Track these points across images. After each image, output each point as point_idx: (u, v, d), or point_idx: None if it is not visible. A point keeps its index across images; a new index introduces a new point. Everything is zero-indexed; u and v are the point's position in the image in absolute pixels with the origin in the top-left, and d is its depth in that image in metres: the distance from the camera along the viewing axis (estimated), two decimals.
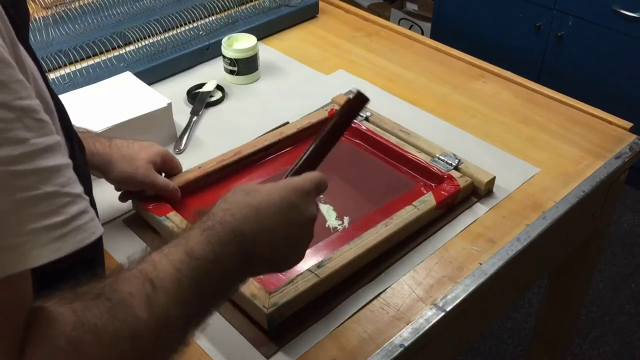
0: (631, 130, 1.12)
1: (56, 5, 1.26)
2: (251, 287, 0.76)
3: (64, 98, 0.68)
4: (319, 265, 0.80)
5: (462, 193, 0.95)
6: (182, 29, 1.30)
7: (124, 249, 0.89)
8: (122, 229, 0.92)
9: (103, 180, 0.88)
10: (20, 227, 0.41)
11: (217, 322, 0.79)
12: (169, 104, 1.06)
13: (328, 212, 0.93)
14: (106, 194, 0.91)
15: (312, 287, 0.78)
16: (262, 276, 0.77)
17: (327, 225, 0.91)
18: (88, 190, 0.66)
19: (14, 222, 0.41)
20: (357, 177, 1.00)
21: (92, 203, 0.68)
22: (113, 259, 0.88)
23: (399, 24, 1.95)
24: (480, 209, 0.95)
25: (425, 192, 0.94)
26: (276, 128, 1.09)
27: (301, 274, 0.79)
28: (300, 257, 0.63)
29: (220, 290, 0.56)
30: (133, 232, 0.92)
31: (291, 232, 0.60)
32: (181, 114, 1.14)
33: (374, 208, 0.92)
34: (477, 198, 0.97)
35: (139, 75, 1.14)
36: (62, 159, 0.45)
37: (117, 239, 0.91)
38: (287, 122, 1.11)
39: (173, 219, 0.87)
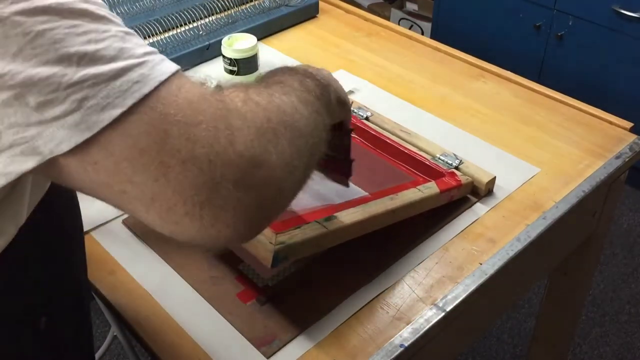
0: (631, 130, 1.12)
1: None
2: None
3: None
4: (327, 219, 0.78)
5: (464, 189, 0.94)
6: (182, 29, 1.30)
7: (124, 249, 0.89)
8: (122, 229, 0.92)
9: None
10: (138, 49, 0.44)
11: (217, 322, 0.79)
12: None
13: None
14: None
15: (319, 237, 0.76)
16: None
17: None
18: (74, 196, 0.66)
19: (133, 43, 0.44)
20: (357, 172, 1.00)
21: (77, 207, 0.68)
22: (113, 259, 0.88)
23: (399, 24, 1.95)
24: (480, 209, 0.95)
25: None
26: None
27: (308, 223, 0.76)
28: None
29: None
30: (133, 232, 0.92)
31: None
32: None
33: (376, 191, 0.91)
34: (477, 198, 0.97)
35: None
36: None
37: (117, 239, 0.91)
38: None
39: None
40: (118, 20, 0.45)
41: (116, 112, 0.41)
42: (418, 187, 0.89)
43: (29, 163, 0.42)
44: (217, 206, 0.44)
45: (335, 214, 0.79)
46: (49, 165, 0.43)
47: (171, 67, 0.45)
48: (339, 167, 0.83)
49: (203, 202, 0.43)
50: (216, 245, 0.54)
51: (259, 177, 0.46)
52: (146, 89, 0.42)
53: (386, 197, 0.85)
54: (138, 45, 0.44)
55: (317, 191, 0.88)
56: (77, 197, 0.67)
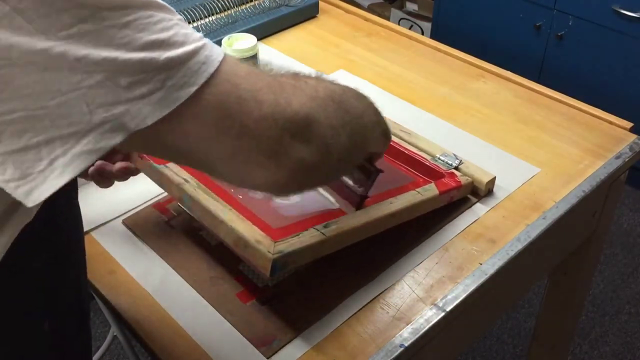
0: (631, 130, 1.12)
1: None
2: (255, 234, 0.74)
3: None
4: (325, 225, 0.78)
5: (464, 190, 0.94)
6: None
7: (124, 249, 0.89)
8: (122, 229, 0.92)
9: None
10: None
11: (217, 322, 0.79)
12: None
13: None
14: (106, 194, 0.91)
15: (317, 244, 0.75)
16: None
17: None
18: (74, 193, 0.67)
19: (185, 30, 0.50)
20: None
21: (77, 207, 0.69)
22: (113, 259, 0.88)
23: (399, 24, 1.95)
24: (480, 209, 0.95)
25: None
26: None
27: (307, 230, 0.76)
28: None
29: None
30: (133, 232, 0.92)
31: None
32: None
33: (375, 193, 0.91)
34: (477, 198, 0.97)
35: None
36: None
37: (117, 239, 0.91)
38: None
39: (172, 168, 0.84)
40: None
41: (192, 89, 0.48)
42: (417, 189, 0.89)
43: (117, 138, 0.46)
44: (281, 155, 0.52)
45: (334, 220, 0.79)
46: (133, 138, 0.47)
47: (220, 48, 0.52)
48: (351, 198, 0.83)
49: (271, 152, 0.52)
50: (277, 193, 0.63)
51: (311, 132, 0.54)
52: (211, 69, 0.49)
53: (385, 201, 0.85)
54: (193, 31, 0.51)
55: (315, 196, 0.88)
56: (77, 197, 0.68)
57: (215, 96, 0.49)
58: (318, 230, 0.76)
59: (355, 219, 0.81)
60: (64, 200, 0.64)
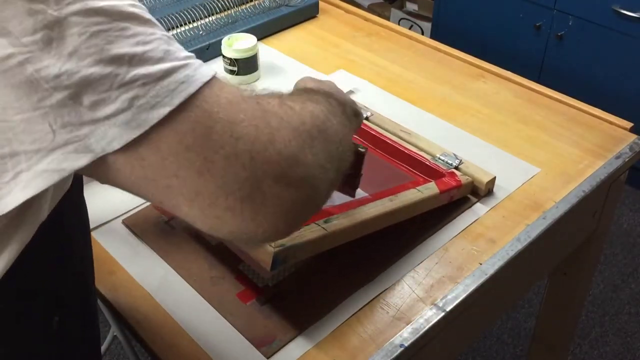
0: (631, 130, 1.12)
1: None
2: None
3: None
4: (326, 221, 0.78)
5: (464, 190, 0.95)
6: (182, 29, 1.30)
7: (124, 249, 0.89)
8: (122, 229, 0.92)
9: None
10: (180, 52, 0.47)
11: (217, 322, 0.79)
12: None
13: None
14: (106, 194, 0.91)
15: (318, 239, 0.76)
16: None
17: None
18: (79, 192, 0.67)
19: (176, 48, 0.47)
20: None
21: (84, 206, 0.69)
22: (113, 259, 0.88)
23: (399, 24, 1.95)
24: (480, 209, 0.95)
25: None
26: None
27: (308, 225, 0.77)
28: None
29: None
30: (133, 232, 0.92)
31: None
32: None
33: (376, 192, 0.91)
34: (477, 198, 0.97)
35: None
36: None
37: (117, 239, 0.91)
38: None
39: None
40: (160, 26, 0.48)
41: (165, 110, 0.44)
42: (418, 187, 0.89)
43: (82, 160, 0.44)
44: (258, 201, 0.46)
45: (335, 216, 0.79)
46: (98, 163, 0.44)
47: (210, 70, 0.48)
48: (347, 180, 0.82)
49: (244, 197, 0.46)
50: (254, 241, 0.58)
51: (297, 174, 0.48)
52: (192, 89, 0.45)
53: (385, 199, 0.85)
54: (180, 50, 0.47)
55: None
56: (83, 196, 0.68)
57: (186, 122, 0.44)
58: (319, 225, 0.76)
59: (356, 216, 0.81)
60: (73, 200, 0.64)
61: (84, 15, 0.42)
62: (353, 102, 0.73)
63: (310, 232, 0.76)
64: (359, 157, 0.79)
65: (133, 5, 0.45)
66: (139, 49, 0.44)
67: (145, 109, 0.43)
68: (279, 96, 0.54)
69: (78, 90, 0.42)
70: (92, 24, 0.42)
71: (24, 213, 0.51)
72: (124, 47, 0.43)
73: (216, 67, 1.28)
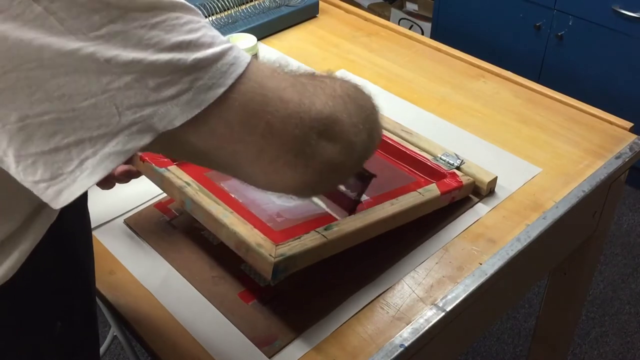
0: (631, 130, 1.12)
1: None
2: (256, 237, 0.74)
3: None
4: (326, 228, 0.78)
5: (465, 190, 0.95)
6: None
7: (125, 248, 0.89)
8: (123, 228, 0.93)
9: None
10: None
11: (219, 321, 0.79)
12: None
13: None
14: (106, 194, 0.91)
15: (319, 247, 0.76)
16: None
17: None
18: (84, 198, 0.67)
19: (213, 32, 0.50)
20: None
21: (86, 210, 0.69)
22: (114, 259, 0.88)
23: (399, 24, 1.95)
24: (482, 209, 0.95)
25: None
26: None
27: (308, 232, 0.77)
28: None
29: None
30: (133, 232, 0.92)
31: None
32: None
33: (376, 194, 0.92)
34: (478, 198, 0.97)
35: None
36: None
37: (117, 239, 0.91)
38: None
39: (174, 171, 0.84)
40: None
41: (220, 90, 0.48)
42: (418, 190, 0.89)
43: (145, 139, 0.47)
44: (308, 154, 0.52)
45: (335, 222, 0.79)
46: (168, 139, 0.48)
47: (245, 52, 0.52)
48: (344, 203, 0.83)
49: (298, 151, 0.51)
50: (304, 194, 0.63)
51: (336, 130, 0.54)
52: (240, 69, 0.49)
53: (386, 202, 0.85)
54: (219, 34, 0.51)
55: (305, 203, 0.89)
56: (86, 199, 0.68)
57: (242, 95, 0.49)
58: (319, 233, 0.77)
59: (357, 221, 0.81)
60: (76, 202, 0.65)
61: (143, 10, 0.45)
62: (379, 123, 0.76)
63: (310, 240, 0.76)
64: (365, 181, 0.80)
65: None
66: (193, 36, 0.47)
67: (204, 89, 0.47)
68: (310, 73, 0.58)
69: (144, 75, 0.45)
70: (150, 16, 0.45)
71: (39, 212, 0.52)
72: (180, 35, 0.46)
73: None
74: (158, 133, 0.47)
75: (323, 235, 0.76)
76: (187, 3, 0.49)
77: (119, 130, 0.45)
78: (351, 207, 0.83)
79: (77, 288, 0.67)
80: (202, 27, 0.48)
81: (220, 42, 0.49)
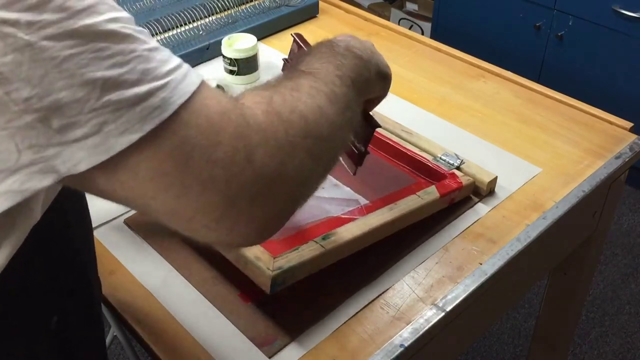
0: (631, 130, 1.12)
1: None
2: (255, 251, 0.75)
3: None
4: (324, 237, 0.79)
5: (465, 191, 0.95)
6: (182, 29, 1.30)
7: (125, 248, 0.89)
8: (122, 228, 0.92)
9: None
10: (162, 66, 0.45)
11: (219, 321, 0.79)
12: None
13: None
14: None
15: (317, 258, 0.76)
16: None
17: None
18: (81, 194, 0.67)
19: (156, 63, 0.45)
20: (358, 174, 1.00)
21: (85, 206, 0.69)
22: (114, 259, 0.88)
23: (399, 24, 1.95)
24: (482, 209, 0.95)
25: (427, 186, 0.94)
26: None
27: (306, 243, 0.77)
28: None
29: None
30: (134, 232, 0.92)
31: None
32: None
33: (376, 197, 0.92)
34: (479, 198, 0.97)
35: None
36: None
37: (117, 239, 0.91)
38: None
39: None
40: (143, 35, 0.46)
41: (135, 136, 0.43)
42: (418, 193, 0.89)
43: (46, 181, 0.43)
44: (232, 219, 0.47)
45: (333, 231, 0.80)
46: (72, 180, 0.44)
47: (193, 83, 0.46)
48: (352, 154, 0.81)
49: (219, 218, 0.46)
50: (231, 248, 0.61)
51: (274, 192, 0.48)
52: (166, 114, 0.44)
53: (385, 208, 0.85)
54: (162, 63, 0.45)
55: (317, 203, 0.89)
56: (85, 196, 0.68)
57: (163, 148, 0.44)
58: (317, 243, 0.77)
59: (355, 229, 0.81)
60: (74, 200, 0.64)
61: (57, 39, 0.40)
62: (384, 64, 0.71)
63: (308, 251, 0.77)
64: (370, 131, 0.76)
65: (113, 20, 0.43)
66: (115, 72, 0.42)
67: (114, 134, 0.42)
68: (270, 97, 0.52)
69: (48, 114, 0.41)
70: (65, 47, 0.41)
71: (14, 218, 0.50)
72: (98, 71, 0.42)
73: (216, 67, 1.29)
74: (61, 176, 0.43)
75: (321, 245, 0.77)
76: (124, 29, 0.44)
77: (17, 169, 0.42)
78: (359, 160, 0.80)
79: (76, 284, 0.66)
80: (132, 60, 0.43)
81: (153, 78, 0.44)
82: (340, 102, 0.58)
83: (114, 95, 0.42)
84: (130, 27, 0.44)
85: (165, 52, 0.46)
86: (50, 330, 0.63)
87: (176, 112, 0.44)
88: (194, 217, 0.46)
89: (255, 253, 0.74)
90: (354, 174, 0.81)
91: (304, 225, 0.85)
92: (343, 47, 0.64)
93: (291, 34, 0.88)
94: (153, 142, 0.44)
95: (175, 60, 0.46)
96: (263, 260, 0.73)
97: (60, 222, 0.61)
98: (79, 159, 0.43)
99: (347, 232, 0.80)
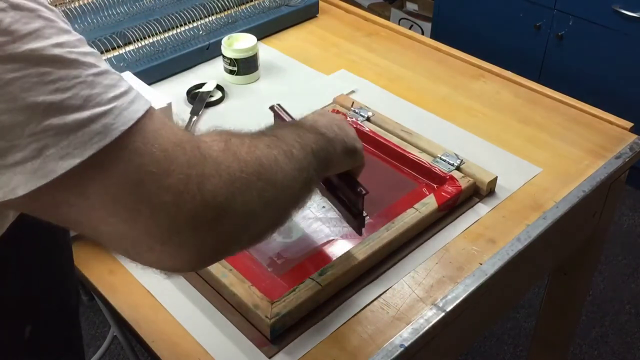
0: (631, 130, 1.12)
1: (56, 5, 1.26)
2: (254, 297, 0.77)
3: None
4: (320, 273, 0.80)
5: (464, 194, 0.95)
6: (182, 29, 1.30)
7: None
8: None
9: None
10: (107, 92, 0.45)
11: (219, 321, 0.79)
12: (169, 104, 1.06)
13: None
14: None
15: (314, 296, 0.78)
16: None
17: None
18: None
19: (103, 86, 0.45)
20: (359, 178, 1.00)
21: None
22: (114, 259, 0.88)
23: (399, 24, 1.95)
24: (482, 209, 0.95)
25: (427, 193, 0.95)
26: None
27: (303, 282, 0.79)
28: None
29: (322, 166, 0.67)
30: None
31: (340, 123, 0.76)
32: (181, 114, 1.14)
33: (376, 211, 0.92)
34: (478, 198, 0.97)
35: (138, 75, 1.14)
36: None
37: None
38: None
39: None
40: (92, 58, 0.46)
41: (74, 161, 0.43)
42: (415, 206, 0.90)
43: None
44: (176, 244, 0.48)
45: (330, 264, 0.81)
46: (12, 204, 0.44)
47: (139, 110, 0.46)
48: (351, 219, 0.85)
49: (165, 241, 0.47)
50: (173, 273, 0.61)
51: (219, 224, 0.49)
52: (107, 140, 0.44)
53: (382, 228, 0.86)
54: (108, 88, 0.45)
55: (317, 225, 0.91)
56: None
57: (110, 174, 0.44)
58: (314, 280, 0.79)
59: (351, 259, 0.82)
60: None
61: (0, 62, 0.40)
62: (351, 139, 0.74)
63: (305, 290, 0.78)
64: (360, 198, 0.80)
65: (59, 45, 0.43)
66: (57, 97, 0.42)
67: (54, 159, 0.42)
68: (227, 139, 0.53)
69: None
70: (8, 71, 0.40)
71: None
72: (40, 95, 0.41)
73: (216, 67, 1.29)
74: None
75: (317, 283, 0.79)
76: (69, 55, 0.44)
77: None
78: (359, 225, 0.85)
79: (50, 292, 0.66)
80: (75, 86, 0.43)
81: (95, 104, 0.43)
82: (297, 162, 0.60)
83: (55, 120, 0.42)
84: (76, 52, 0.44)
85: (114, 77, 0.46)
86: (23, 339, 0.62)
87: (122, 139, 0.44)
88: (141, 239, 0.47)
89: (254, 301, 0.77)
90: (360, 234, 0.86)
91: (307, 252, 0.87)
92: (308, 125, 0.68)
93: (270, 106, 0.91)
94: (100, 167, 0.44)
95: (123, 86, 0.46)
96: (262, 308, 0.76)
97: (32, 229, 0.60)
98: (16, 183, 0.42)
99: (344, 264, 0.82)
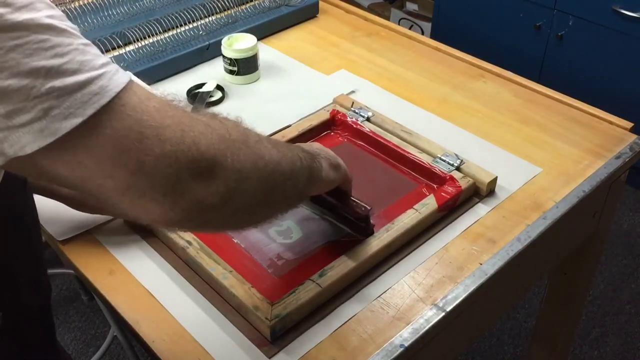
0: (631, 130, 1.12)
1: (56, 5, 1.26)
2: (254, 299, 0.77)
3: None
4: (320, 274, 0.80)
5: (464, 194, 0.95)
6: (182, 29, 1.30)
7: (124, 248, 0.89)
8: (122, 228, 0.92)
9: None
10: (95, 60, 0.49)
11: (219, 321, 0.79)
12: None
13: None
14: None
15: (314, 297, 0.78)
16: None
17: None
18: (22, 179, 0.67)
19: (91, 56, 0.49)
20: (358, 178, 1.00)
21: (29, 195, 0.69)
22: (114, 258, 0.88)
23: (399, 24, 1.95)
24: (482, 209, 0.95)
25: (427, 193, 0.95)
26: (278, 131, 1.09)
27: (303, 283, 0.79)
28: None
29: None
30: (134, 232, 0.92)
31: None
32: None
33: (375, 211, 0.92)
34: (478, 198, 0.97)
35: (139, 75, 1.14)
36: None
37: (117, 239, 0.91)
38: (289, 125, 1.11)
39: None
40: (76, 31, 0.50)
41: (77, 120, 0.46)
42: (415, 206, 0.90)
43: None
44: (177, 194, 0.52)
45: (329, 266, 0.81)
46: (20, 162, 0.47)
47: (125, 76, 0.51)
48: (356, 228, 0.87)
49: (167, 190, 0.51)
50: (171, 227, 0.66)
51: (214, 174, 0.53)
52: (104, 100, 0.48)
53: (382, 230, 0.86)
54: (96, 57, 0.49)
55: (318, 227, 0.91)
56: (26, 181, 0.69)
57: (114, 130, 0.48)
58: (314, 282, 0.79)
59: (351, 260, 0.82)
60: (21, 189, 0.65)
61: (2, 31, 0.44)
62: (333, 155, 0.78)
63: (305, 292, 0.78)
64: (365, 216, 0.83)
65: (50, 17, 0.47)
66: (56, 62, 0.46)
67: (59, 119, 0.46)
68: (213, 114, 0.58)
69: None
70: (10, 38, 0.44)
71: None
72: (41, 60, 0.45)
73: (216, 67, 1.29)
74: (8, 158, 0.46)
75: (317, 284, 0.79)
76: (61, 25, 0.48)
77: None
78: (368, 235, 0.86)
79: (22, 282, 0.68)
80: (70, 52, 0.47)
81: (90, 68, 0.48)
82: (282, 147, 0.65)
83: (57, 82, 0.46)
84: (65, 24, 0.48)
85: (96, 49, 0.51)
86: None
87: (117, 99, 0.49)
88: (146, 191, 0.50)
89: (254, 302, 0.77)
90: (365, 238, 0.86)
91: (307, 253, 0.87)
92: (293, 146, 0.71)
93: None
94: (102, 124, 0.48)
95: (106, 57, 0.51)
96: (262, 309, 0.76)
97: (8, 212, 0.62)
98: (25, 142, 0.46)
99: (343, 265, 0.82)
